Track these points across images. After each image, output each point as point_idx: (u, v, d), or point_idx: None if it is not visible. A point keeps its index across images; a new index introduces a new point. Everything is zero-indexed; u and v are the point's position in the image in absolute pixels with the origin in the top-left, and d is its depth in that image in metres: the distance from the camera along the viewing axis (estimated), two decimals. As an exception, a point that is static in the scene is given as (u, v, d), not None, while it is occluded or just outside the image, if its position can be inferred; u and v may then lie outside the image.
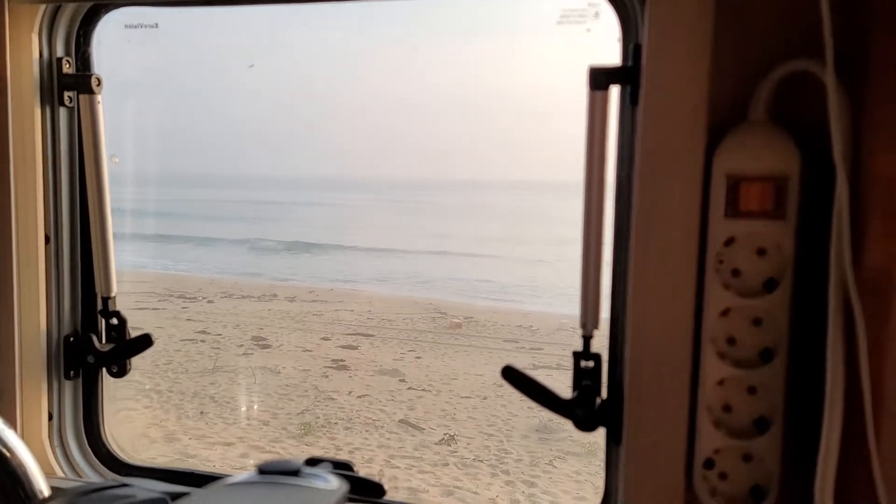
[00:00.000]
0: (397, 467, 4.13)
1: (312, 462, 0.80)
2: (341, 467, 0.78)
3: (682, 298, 0.59)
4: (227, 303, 7.16)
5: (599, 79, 0.65)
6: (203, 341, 5.92)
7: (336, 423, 5.07)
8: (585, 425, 0.66)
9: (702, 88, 0.57)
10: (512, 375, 0.67)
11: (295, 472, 0.55)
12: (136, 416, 4.61)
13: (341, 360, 6.06)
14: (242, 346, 5.94)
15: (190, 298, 7.17)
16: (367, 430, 4.87)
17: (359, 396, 5.35)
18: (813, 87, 0.55)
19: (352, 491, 0.78)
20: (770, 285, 0.57)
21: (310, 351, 6.24)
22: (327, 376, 5.77)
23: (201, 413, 4.77)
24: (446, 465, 4.17)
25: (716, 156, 0.57)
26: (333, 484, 0.55)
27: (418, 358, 6.22)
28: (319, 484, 0.55)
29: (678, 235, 0.58)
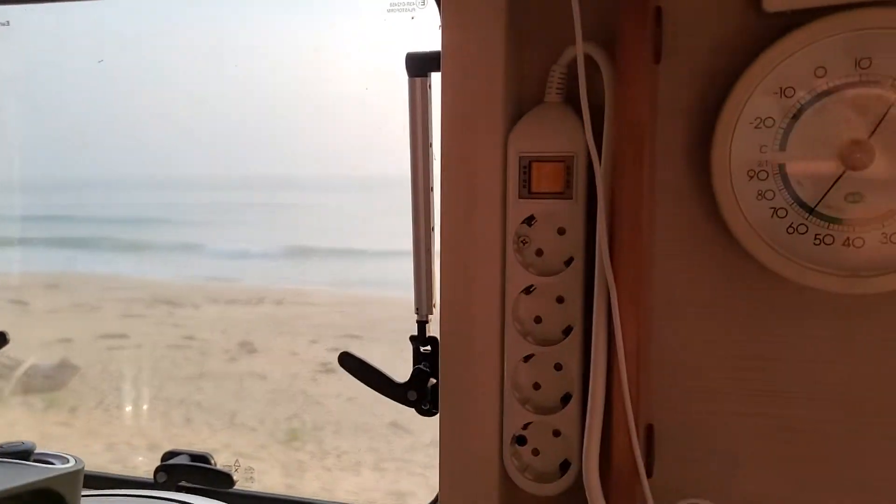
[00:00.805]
0: (385, 469, 4.12)
1: (170, 455, 0.81)
2: (198, 459, 0.78)
3: (488, 279, 0.60)
4: (214, 308, 7.16)
5: (416, 65, 0.66)
6: (190, 347, 5.92)
7: (324, 428, 5.07)
8: (422, 410, 0.68)
9: (498, 73, 0.58)
10: (348, 362, 0.68)
11: (25, 454, 0.57)
12: (119, 426, 4.61)
13: (329, 364, 6.05)
14: (229, 351, 5.93)
15: (176, 304, 7.17)
16: (356, 434, 4.87)
17: (348, 399, 5.35)
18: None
19: (207, 482, 0.80)
20: (570, 264, 0.58)
21: (297, 354, 6.24)
22: (315, 380, 5.77)
23: (187, 420, 4.75)
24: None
25: (510, 138, 0.58)
26: (66, 464, 0.56)
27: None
28: (53, 463, 0.56)
29: (482, 217, 0.59)
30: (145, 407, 4.82)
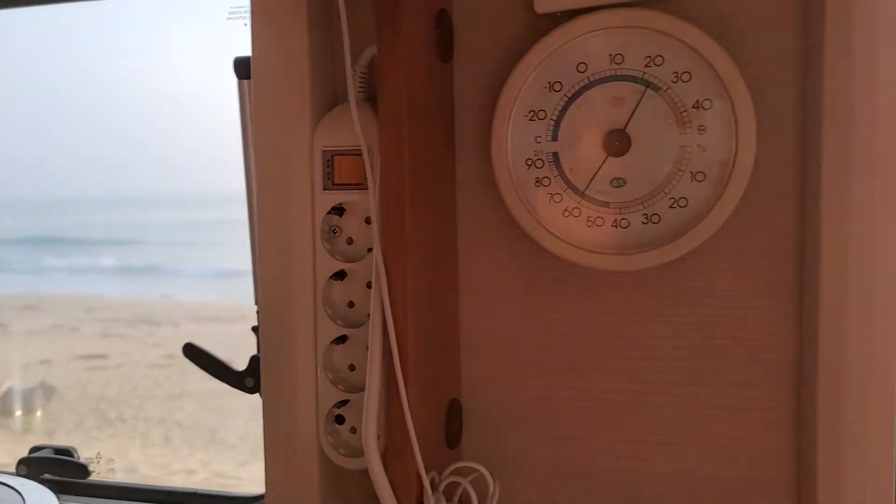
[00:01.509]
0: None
1: (35, 448, 0.85)
2: (62, 453, 0.83)
3: (301, 267, 0.64)
4: (194, 326, 7.17)
5: (243, 68, 0.71)
6: (170, 366, 5.93)
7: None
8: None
9: (304, 75, 0.62)
10: (192, 352, 0.72)
11: None
12: (97, 447, 4.61)
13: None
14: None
15: (156, 323, 7.18)
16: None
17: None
18: None
19: (68, 475, 0.84)
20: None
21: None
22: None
23: (166, 440, 4.76)
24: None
25: (314, 134, 0.62)
26: None
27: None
28: None
29: (294, 210, 0.63)
30: (124, 427, 4.83)
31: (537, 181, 0.60)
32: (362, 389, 0.65)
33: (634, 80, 0.57)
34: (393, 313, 0.54)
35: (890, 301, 0.54)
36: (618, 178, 0.58)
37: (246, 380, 0.73)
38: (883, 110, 0.53)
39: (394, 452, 0.56)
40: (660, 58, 0.56)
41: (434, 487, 0.57)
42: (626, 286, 0.61)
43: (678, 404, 0.61)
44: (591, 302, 0.62)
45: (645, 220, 0.58)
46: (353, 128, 0.61)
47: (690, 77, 0.56)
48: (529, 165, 0.60)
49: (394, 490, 0.56)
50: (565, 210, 0.60)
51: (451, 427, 0.63)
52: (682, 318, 0.61)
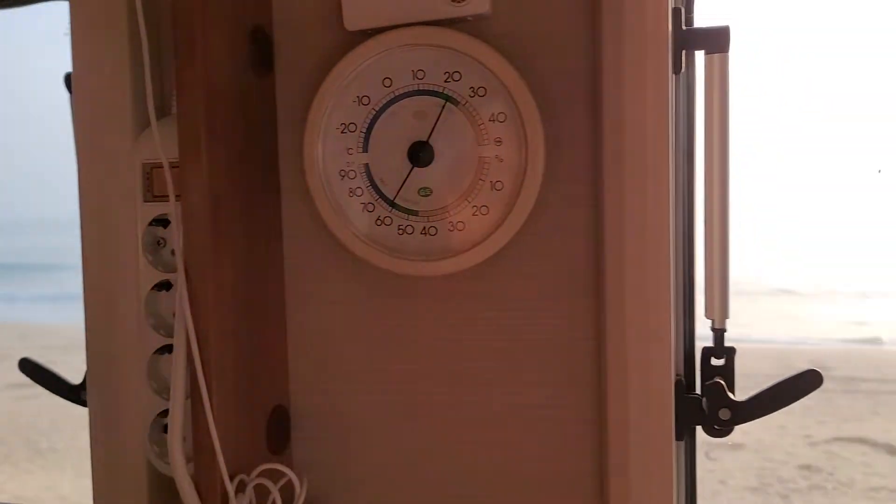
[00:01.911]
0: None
1: None
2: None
3: (124, 277, 0.65)
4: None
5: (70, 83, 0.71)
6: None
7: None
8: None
9: (124, 86, 0.64)
10: (26, 367, 0.72)
11: None
12: (28, 480, 4.47)
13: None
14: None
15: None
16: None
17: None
18: None
19: None
20: None
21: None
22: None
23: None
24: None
25: (135, 147, 0.64)
26: None
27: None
28: None
29: (117, 224, 0.64)
30: (55, 459, 4.68)
31: (350, 192, 0.62)
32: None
33: (435, 94, 0.60)
34: (196, 322, 0.56)
35: (662, 300, 0.57)
36: (424, 188, 0.61)
37: (82, 393, 0.73)
38: (651, 125, 0.56)
39: (199, 458, 0.57)
40: (457, 73, 0.60)
41: (241, 491, 0.58)
42: (439, 291, 0.64)
43: (494, 405, 0.64)
44: (409, 308, 0.65)
45: (451, 228, 0.61)
46: (172, 141, 0.63)
47: (486, 92, 0.59)
48: (343, 176, 0.62)
49: (200, 495, 0.57)
50: (378, 219, 0.62)
51: (273, 433, 0.64)
52: (493, 321, 0.63)
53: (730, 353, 0.64)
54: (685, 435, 0.64)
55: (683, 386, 0.63)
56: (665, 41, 0.56)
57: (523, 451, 0.63)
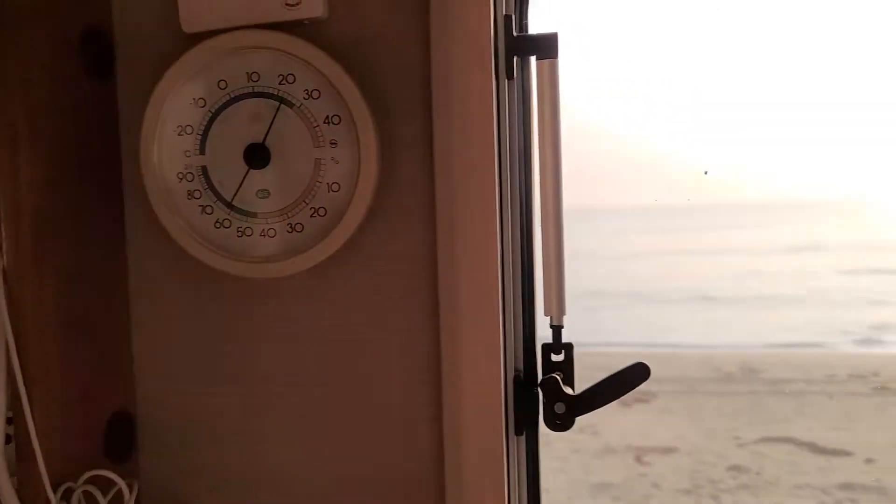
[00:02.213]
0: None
1: None
2: None
3: None
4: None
5: None
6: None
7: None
8: None
9: None
10: None
11: None
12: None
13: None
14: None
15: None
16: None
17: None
18: None
19: None
20: None
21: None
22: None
23: None
24: None
25: None
26: None
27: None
28: None
29: None
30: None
31: (189, 194, 0.62)
32: None
33: (270, 96, 0.60)
34: (15, 329, 0.55)
35: (491, 299, 0.59)
36: (262, 190, 0.61)
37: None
38: (476, 128, 0.58)
39: (21, 466, 0.55)
40: (292, 76, 0.60)
41: (67, 499, 0.57)
42: (281, 293, 0.64)
43: (339, 406, 0.64)
44: (251, 310, 0.65)
45: (290, 230, 0.61)
46: None
47: (320, 95, 0.60)
48: (181, 179, 0.62)
49: (22, 502, 0.55)
50: (216, 222, 0.62)
51: (114, 440, 0.63)
52: (336, 322, 0.64)
53: (568, 349, 0.66)
54: (526, 429, 0.66)
55: (522, 381, 0.65)
56: (488, 46, 0.57)
57: (369, 452, 0.64)
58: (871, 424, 5.43)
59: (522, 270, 0.65)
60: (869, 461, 4.69)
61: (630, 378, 0.63)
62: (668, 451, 5.09)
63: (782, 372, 7.10)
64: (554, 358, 0.66)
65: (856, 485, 4.34)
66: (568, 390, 0.64)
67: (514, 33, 0.63)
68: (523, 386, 0.65)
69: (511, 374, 0.63)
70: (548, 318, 0.65)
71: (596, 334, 9.94)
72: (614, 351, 9.33)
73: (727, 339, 9.51)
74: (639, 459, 5.00)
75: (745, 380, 6.89)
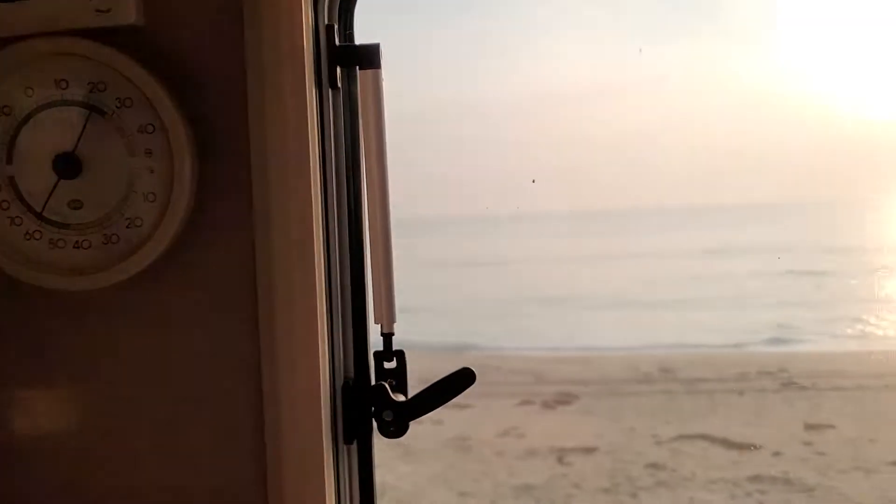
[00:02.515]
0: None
1: None
2: None
3: None
4: None
5: None
6: None
7: None
8: None
9: None
10: None
11: None
12: None
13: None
14: None
15: None
16: None
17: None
18: None
19: None
20: None
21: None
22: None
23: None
24: None
25: None
26: None
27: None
28: None
29: None
30: None
31: (-4, 205, 0.60)
32: None
33: (80, 104, 0.59)
34: None
35: (310, 310, 0.58)
36: (74, 201, 0.60)
37: None
38: (292, 138, 0.58)
39: None
40: (102, 84, 0.59)
41: None
42: (95, 305, 0.62)
43: (155, 416, 0.62)
44: (64, 324, 0.62)
45: (105, 241, 0.60)
46: None
47: (132, 103, 0.59)
48: (-13, 190, 0.60)
49: None
50: (26, 233, 0.60)
51: None
52: (152, 332, 0.62)
53: (400, 356, 0.66)
54: (358, 437, 0.66)
55: (351, 389, 0.65)
56: (301, 55, 0.57)
57: (190, 461, 0.62)
58: (779, 419, 5.66)
59: (353, 280, 0.65)
60: (776, 454, 4.88)
61: (456, 383, 0.64)
62: (589, 451, 5.18)
63: (697, 371, 7.33)
64: (387, 365, 0.66)
65: (764, 477, 4.51)
66: (400, 397, 0.64)
67: (337, 43, 0.63)
68: (352, 394, 0.65)
69: (340, 382, 0.63)
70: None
71: (516, 339, 10.13)
72: (534, 355, 9.49)
73: (645, 341, 9.79)
74: (561, 460, 5.07)
75: (662, 380, 7.07)
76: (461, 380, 0.64)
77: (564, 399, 6.62)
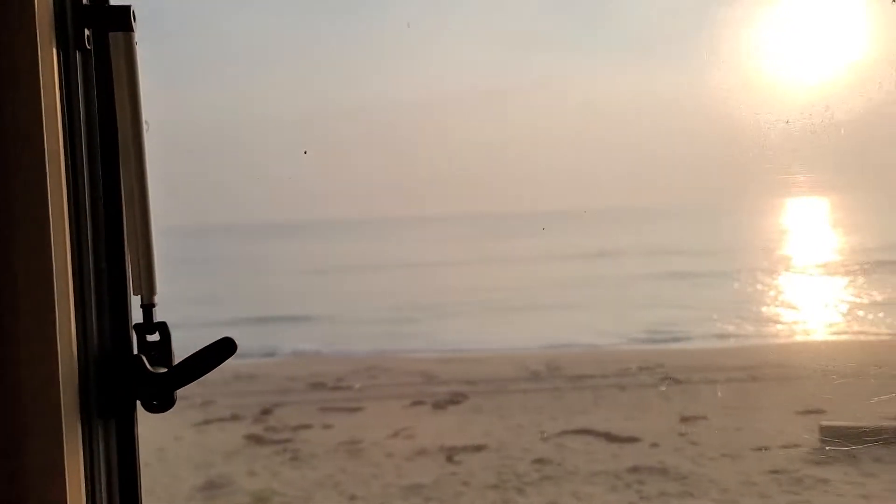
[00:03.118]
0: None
1: None
2: None
3: None
4: None
5: None
6: None
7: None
8: None
9: None
10: None
11: None
12: None
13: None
14: None
15: None
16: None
17: None
18: None
19: None
20: None
21: None
22: None
23: None
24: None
25: None
26: None
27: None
28: None
29: None
30: None
31: None
32: None
33: None
34: None
35: (47, 285, 0.54)
36: None
37: None
38: (25, 100, 0.53)
39: None
40: None
41: None
42: None
43: None
44: None
45: None
46: None
47: None
48: None
49: None
50: None
51: None
52: None
53: (163, 329, 0.62)
54: (117, 413, 0.61)
55: (106, 363, 0.60)
56: (31, 10, 0.52)
57: None
58: (656, 412, 5.96)
59: (109, 254, 0.61)
60: (654, 445, 5.13)
61: (218, 353, 0.61)
62: (478, 448, 5.25)
63: (582, 368, 7.60)
64: (150, 338, 0.62)
65: (642, 468, 4.73)
66: (161, 369, 0.61)
67: (85, 2, 0.58)
68: (108, 368, 0.60)
69: (94, 356, 0.59)
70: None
71: (407, 342, 10.28)
72: (425, 357, 9.60)
73: (534, 342, 10.11)
74: (450, 459, 5.11)
75: (549, 377, 7.28)
76: (222, 350, 0.61)
77: (455, 399, 6.68)
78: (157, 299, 0.62)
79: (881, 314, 11.01)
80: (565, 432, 5.55)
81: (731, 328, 11.02)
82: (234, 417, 6.47)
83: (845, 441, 4.74)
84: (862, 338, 9.78)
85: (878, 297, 12.45)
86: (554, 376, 7.48)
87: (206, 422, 6.29)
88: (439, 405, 6.38)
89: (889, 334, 9.69)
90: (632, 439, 5.44)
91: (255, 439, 5.39)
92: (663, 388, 6.66)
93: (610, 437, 5.49)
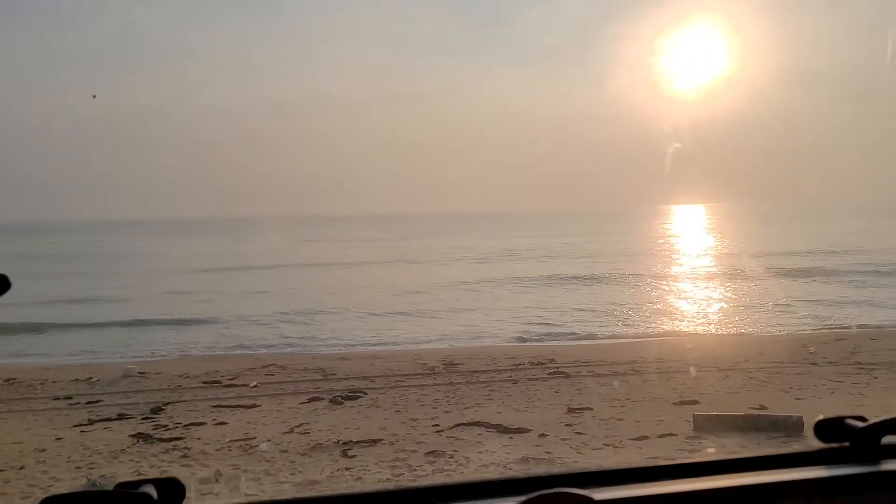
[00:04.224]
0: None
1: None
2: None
3: None
4: None
5: None
6: None
7: None
8: None
9: None
10: None
11: None
12: None
13: None
14: None
15: None
16: None
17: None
18: None
19: None
20: None
21: None
22: None
23: None
24: None
25: None
26: None
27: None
28: None
29: None
30: None
31: None
32: None
33: None
34: None
35: None
36: None
37: None
38: None
39: None
40: None
41: None
42: None
43: None
44: None
45: None
46: None
47: None
48: None
49: None
50: None
51: None
52: None
53: None
54: None
55: None
56: None
57: None
58: (545, 404, 6.17)
59: None
60: (542, 436, 5.32)
61: None
62: (373, 442, 5.27)
63: (477, 364, 7.77)
64: None
65: (530, 458, 4.91)
66: None
67: None
68: None
69: None
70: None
71: (304, 340, 10.34)
72: (323, 353, 9.58)
73: (432, 339, 10.31)
74: (345, 454, 5.11)
75: (445, 372, 7.39)
76: None
77: (352, 395, 6.68)
78: None
79: (756, 315, 11.89)
80: (458, 425, 5.66)
81: (616, 325, 11.61)
82: (122, 416, 6.19)
83: (715, 429, 5.13)
84: (737, 334, 10.50)
85: (747, 300, 13.46)
86: (450, 371, 7.60)
87: (91, 422, 5.98)
88: (336, 401, 6.36)
89: (759, 333, 10.45)
90: (522, 430, 5.61)
91: (144, 438, 5.19)
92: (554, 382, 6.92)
93: (501, 429, 5.64)
